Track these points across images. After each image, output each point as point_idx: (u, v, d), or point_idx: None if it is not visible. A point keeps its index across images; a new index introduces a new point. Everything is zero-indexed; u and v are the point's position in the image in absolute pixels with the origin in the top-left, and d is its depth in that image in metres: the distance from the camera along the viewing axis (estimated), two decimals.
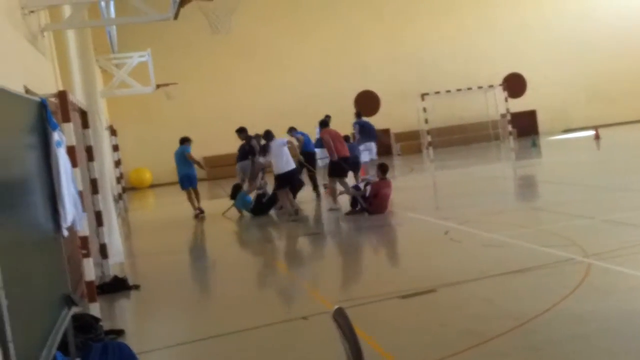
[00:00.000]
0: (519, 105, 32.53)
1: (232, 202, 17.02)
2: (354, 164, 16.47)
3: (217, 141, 30.59)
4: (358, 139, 19.65)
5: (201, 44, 29.60)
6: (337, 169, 15.14)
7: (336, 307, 3.37)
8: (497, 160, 25.58)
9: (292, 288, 8.74)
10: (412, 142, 32.30)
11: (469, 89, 30.21)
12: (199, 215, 17.05)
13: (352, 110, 28.59)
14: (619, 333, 5.64)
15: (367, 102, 32.12)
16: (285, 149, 14.81)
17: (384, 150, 29.23)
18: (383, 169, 14.20)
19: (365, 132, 20.29)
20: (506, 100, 29.17)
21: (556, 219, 11.07)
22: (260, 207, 16.21)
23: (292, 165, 14.84)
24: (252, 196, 16.69)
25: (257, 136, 17.00)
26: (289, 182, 14.85)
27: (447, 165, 24.16)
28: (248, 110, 30.96)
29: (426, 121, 28.63)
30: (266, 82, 31.64)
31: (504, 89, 29.54)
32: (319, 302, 7.67)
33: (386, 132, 28.57)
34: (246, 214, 16.39)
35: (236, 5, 11.50)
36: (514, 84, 32.52)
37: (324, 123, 16.70)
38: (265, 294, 8.58)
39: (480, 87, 30.42)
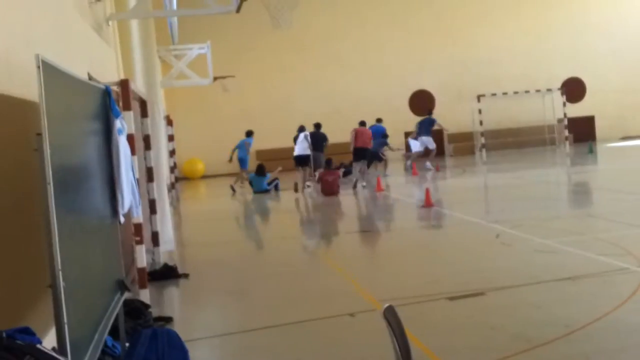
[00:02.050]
0: (577, 110, 31.97)
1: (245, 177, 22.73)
2: (371, 154, 21.56)
3: (271, 135, 30.81)
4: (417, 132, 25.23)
5: (260, 37, 29.82)
6: (356, 155, 20.59)
7: (387, 305, 3.37)
8: (551, 165, 25.18)
9: (339, 284, 8.75)
10: (465, 144, 32.02)
11: (527, 92, 29.78)
12: (233, 191, 21.92)
13: (407, 108, 28.67)
14: None
15: (421, 102, 31.96)
16: (304, 140, 20.89)
17: (437, 150, 28.97)
18: (328, 162, 21.38)
19: (425, 127, 25.07)
20: (564, 104, 28.65)
21: (611, 228, 10.86)
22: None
23: (303, 151, 20.80)
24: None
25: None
26: (299, 162, 20.84)
27: (500, 169, 23.87)
28: (303, 105, 31.10)
29: (481, 123, 28.30)
30: (322, 78, 31.71)
31: (563, 94, 29.00)
32: (366, 299, 7.68)
33: (439, 132, 28.33)
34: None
35: (298, 0, 11.55)
36: (573, 89, 31.95)
37: (361, 123, 21.66)
38: (313, 289, 8.61)
39: (538, 91, 29.94)
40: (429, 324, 6.64)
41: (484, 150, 27.96)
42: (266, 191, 21.19)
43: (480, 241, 10.83)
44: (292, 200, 19.16)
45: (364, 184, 20.17)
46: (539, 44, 32.99)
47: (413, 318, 6.64)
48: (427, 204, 14.76)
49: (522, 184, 18.73)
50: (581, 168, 22.67)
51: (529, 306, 6.96)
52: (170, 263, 10.08)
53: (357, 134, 20.76)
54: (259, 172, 21.53)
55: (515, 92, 30.16)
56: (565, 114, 28.61)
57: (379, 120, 25.07)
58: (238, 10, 10.45)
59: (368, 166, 21.49)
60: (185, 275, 9.69)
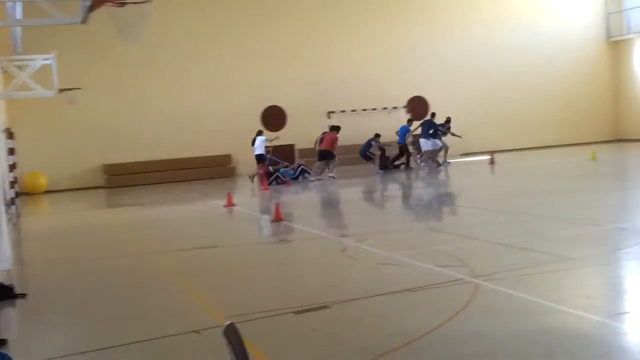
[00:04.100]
0: None
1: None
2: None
3: (117, 149, 30.06)
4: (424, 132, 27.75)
5: (110, 50, 28.95)
6: (319, 156, 26.11)
7: (227, 322, 3.37)
8: (395, 180, 26.09)
9: (186, 301, 8.64)
10: (313, 159, 32.50)
11: (374, 109, 30.75)
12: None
13: (258, 124, 28.93)
14: (504, 354, 5.84)
15: (273, 117, 32.25)
16: (261, 143, 25.53)
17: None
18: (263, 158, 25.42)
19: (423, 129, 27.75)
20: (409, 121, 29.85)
21: (450, 240, 11.40)
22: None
23: (258, 151, 25.36)
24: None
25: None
26: (258, 160, 25.33)
27: (348, 183, 24.48)
28: (153, 120, 30.62)
29: None
30: (174, 92, 31.28)
31: (408, 111, 30.21)
32: (213, 316, 7.62)
33: (291, 147, 28.70)
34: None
35: (149, 12, 11.22)
36: (417, 106, 33.35)
37: (336, 128, 26.79)
38: (159, 307, 8.43)
39: (385, 108, 31.02)
40: (274, 339, 6.69)
41: (332, 165, 28.45)
42: (296, 178, 25.26)
43: (327, 255, 11.05)
44: (146, 215, 18.75)
45: (334, 175, 25.17)
46: (387, 66, 34.15)
47: (259, 333, 6.69)
48: (277, 218, 14.88)
49: (368, 198, 19.32)
50: (425, 183, 23.65)
51: (372, 317, 7.18)
52: (7, 283, 9.56)
53: (322, 138, 25.67)
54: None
55: (364, 110, 31.07)
56: (410, 131, 29.79)
57: (433, 115, 28.41)
58: (84, 21, 10.14)
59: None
60: (23, 295, 9.21)
